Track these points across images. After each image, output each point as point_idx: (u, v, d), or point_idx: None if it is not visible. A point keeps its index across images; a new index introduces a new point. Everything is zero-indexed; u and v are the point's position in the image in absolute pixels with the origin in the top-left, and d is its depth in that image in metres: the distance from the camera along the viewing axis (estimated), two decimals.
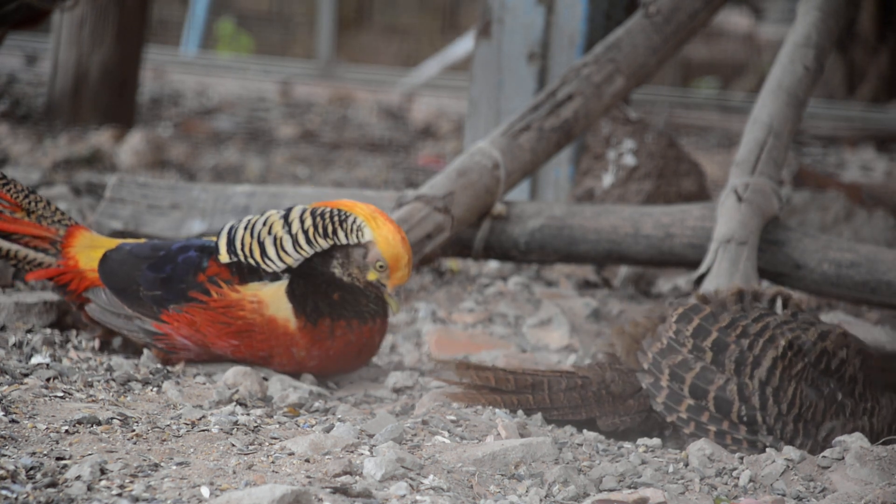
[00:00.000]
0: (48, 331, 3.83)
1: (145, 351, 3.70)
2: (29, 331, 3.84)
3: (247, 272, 3.63)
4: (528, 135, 4.76)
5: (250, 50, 14.21)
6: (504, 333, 4.39)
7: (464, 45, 11.40)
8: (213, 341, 3.64)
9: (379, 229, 3.61)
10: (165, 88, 10.74)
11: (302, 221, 3.63)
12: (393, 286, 3.65)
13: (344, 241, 3.61)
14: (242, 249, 3.64)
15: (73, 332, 3.88)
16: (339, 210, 3.63)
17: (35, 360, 3.56)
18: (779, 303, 3.46)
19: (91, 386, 3.42)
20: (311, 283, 3.63)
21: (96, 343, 3.81)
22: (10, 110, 8.52)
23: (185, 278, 3.65)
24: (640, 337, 3.42)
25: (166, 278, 3.67)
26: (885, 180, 8.61)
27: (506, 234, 4.75)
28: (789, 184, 6.83)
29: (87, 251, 3.79)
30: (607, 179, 5.41)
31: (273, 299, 3.62)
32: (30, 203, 3.82)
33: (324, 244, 3.61)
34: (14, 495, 2.64)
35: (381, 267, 3.62)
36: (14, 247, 3.79)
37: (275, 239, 3.62)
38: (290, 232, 3.62)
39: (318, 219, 3.62)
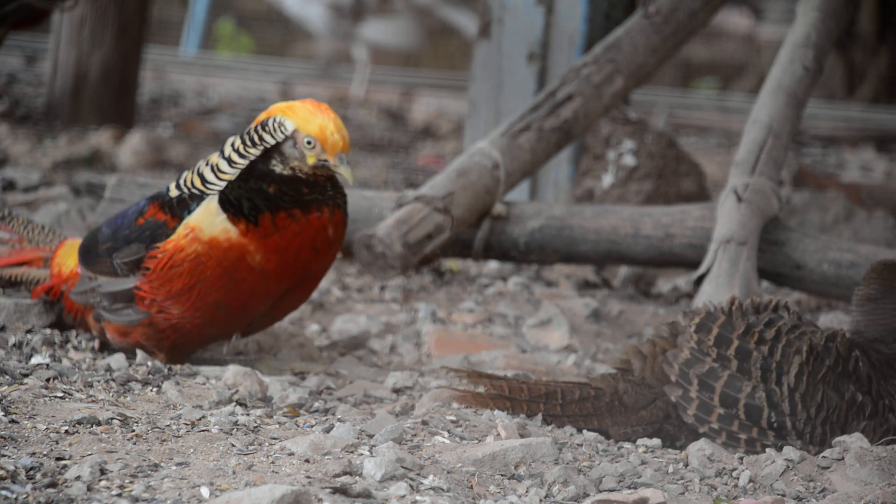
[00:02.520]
0: (48, 331, 3.83)
1: (139, 352, 3.69)
2: (29, 331, 3.84)
3: (179, 206, 3.65)
4: (528, 135, 4.76)
5: (250, 50, 14.20)
6: (504, 334, 4.39)
7: None
8: (184, 304, 3.63)
9: (296, 114, 3.61)
10: (165, 88, 10.74)
11: (232, 143, 3.65)
12: (333, 155, 3.61)
13: (271, 140, 3.60)
14: (185, 184, 3.66)
15: (73, 332, 3.88)
16: (261, 121, 3.64)
17: (35, 360, 3.56)
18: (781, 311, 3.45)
19: (91, 386, 3.42)
20: (244, 184, 3.62)
21: (96, 343, 3.81)
22: (10, 110, 8.52)
23: (129, 224, 3.69)
24: (659, 354, 3.41)
25: (116, 228, 3.72)
26: (885, 180, 8.61)
27: (506, 235, 4.75)
28: (789, 184, 6.83)
29: (68, 256, 3.88)
30: (607, 180, 5.41)
31: (205, 217, 3.61)
32: (29, 232, 4.00)
33: (255, 152, 3.61)
34: (14, 495, 2.64)
35: (311, 145, 3.60)
36: (20, 271, 3.94)
37: (212, 166, 3.65)
38: (223, 156, 3.64)
39: (245, 135, 3.64)
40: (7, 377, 3.38)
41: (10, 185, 6.07)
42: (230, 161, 3.63)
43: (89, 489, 2.71)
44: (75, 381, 3.43)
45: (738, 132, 5.17)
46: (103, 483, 2.74)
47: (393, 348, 4.23)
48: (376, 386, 3.77)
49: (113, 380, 3.48)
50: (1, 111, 8.44)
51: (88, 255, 3.76)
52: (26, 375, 3.43)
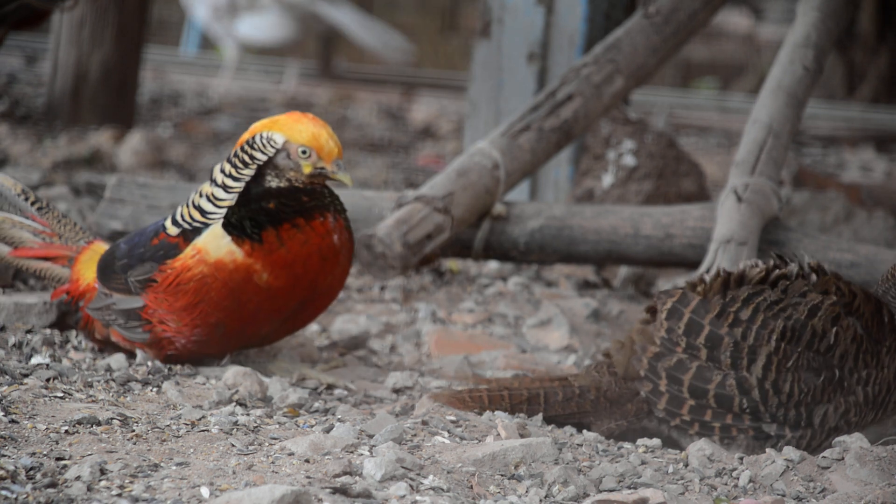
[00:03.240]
0: (48, 331, 3.83)
1: (139, 353, 3.70)
2: (29, 331, 3.84)
3: (191, 231, 3.64)
4: (528, 135, 4.76)
5: (250, 50, 14.20)
6: (504, 334, 4.39)
7: None
8: (184, 320, 3.63)
9: (283, 126, 3.61)
10: (165, 89, 10.74)
11: (222, 169, 3.65)
12: (330, 162, 3.62)
13: (262, 157, 3.60)
14: (183, 220, 3.65)
15: (73, 332, 3.88)
16: (245, 140, 3.63)
17: (35, 360, 3.56)
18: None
19: (91, 386, 3.42)
20: (245, 205, 3.61)
21: (97, 344, 3.81)
22: (10, 110, 8.52)
23: (144, 243, 3.69)
24: (638, 347, 3.40)
25: (133, 246, 3.71)
26: (885, 180, 8.61)
27: (505, 235, 4.75)
28: (789, 184, 6.84)
29: (88, 265, 3.85)
30: (607, 180, 5.41)
31: (211, 240, 3.60)
32: (62, 228, 3.96)
33: (249, 172, 3.61)
34: (14, 495, 2.64)
35: (306, 154, 3.60)
36: (45, 266, 3.91)
37: (207, 196, 3.64)
38: (216, 183, 3.64)
39: (233, 158, 3.63)
40: (7, 377, 3.38)
41: None
42: (225, 187, 3.62)
43: (89, 489, 2.71)
44: (75, 381, 3.43)
45: (738, 132, 5.17)
46: (103, 483, 2.74)
47: (393, 348, 4.23)
48: (376, 386, 3.77)
49: (113, 380, 3.48)
50: (1, 111, 8.44)
51: (105, 271, 3.74)
52: (26, 375, 3.43)
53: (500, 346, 4.23)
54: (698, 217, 4.65)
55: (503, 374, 3.72)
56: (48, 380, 3.41)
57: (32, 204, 3.96)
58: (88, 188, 6.11)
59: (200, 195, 3.66)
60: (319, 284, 3.67)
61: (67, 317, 3.95)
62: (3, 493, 2.65)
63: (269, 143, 3.60)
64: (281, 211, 3.61)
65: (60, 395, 3.31)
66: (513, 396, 3.41)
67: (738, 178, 4.47)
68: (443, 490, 2.85)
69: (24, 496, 2.65)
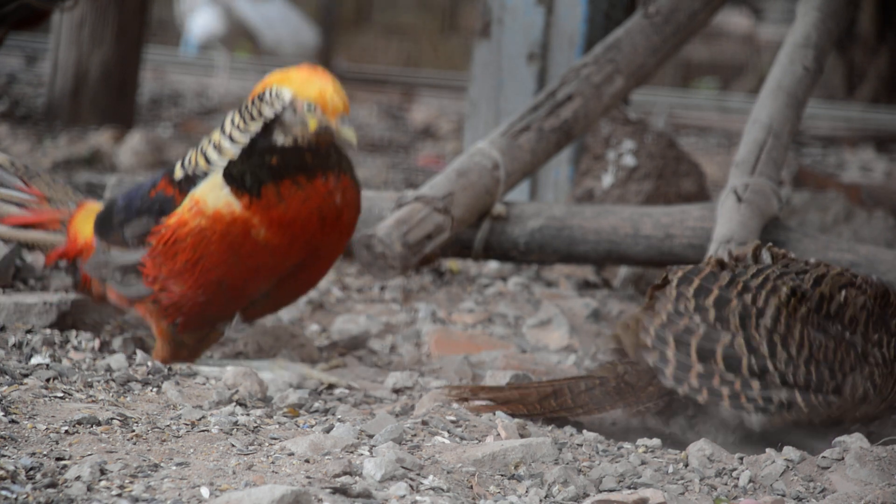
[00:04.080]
0: (48, 331, 3.83)
1: (139, 353, 3.69)
2: (29, 331, 3.84)
3: (186, 183, 3.64)
4: (528, 135, 4.76)
5: (250, 50, 14.20)
6: (504, 334, 4.40)
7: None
8: (187, 282, 3.62)
9: (293, 81, 3.60)
10: (165, 89, 10.74)
11: (232, 119, 3.64)
12: (335, 118, 3.58)
13: (271, 112, 3.59)
14: (189, 163, 3.65)
15: (73, 332, 3.88)
16: (257, 93, 3.62)
17: (35, 360, 3.56)
18: (765, 255, 3.45)
19: (91, 386, 3.42)
20: (247, 159, 3.60)
21: (96, 343, 3.81)
22: (10, 110, 8.52)
23: (142, 195, 3.69)
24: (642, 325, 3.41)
25: (130, 200, 3.72)
26: (885, 181, 8.61)
27: (505, 235, 4.76)
28: (789, 184, 6.84)
29: (84, 222, 3.85)
30: (607, 180, 5.41)
31: (209, 191, 3.60)
32: (54, 192, 3.93)
33: (256, 126, 3.60)
34: (14, 496, 2.64)
35: (311, 109, 3.58)
36: (36, 236, 3.90)
37: (214, 144, 3.64)
38: (224, 133, 3.63)
39: (243, 109, 3.63)
40: (7, 377, 3.38)
41: None
42: (231, 138, 3.61)
43: (89, 489, 2.71)
44: (75, 381, 3.43)
45: (738, 132, 5.18)
46: (103, 483, 2.74)
47: (393, 348, 4.23)
48: (376, 386, 3.77)
49: (113, 380, 3.48)
50: (1, 111, 8.45)
51: (103, 226, 3.75)
52: (26, 375, 3.43)
53: (500, 346, 4.23)
54: (698, 217, 4.66)
55: (503, 374, 3.72)
56: (48, 380, 3.41)
57: (18, 173, 3.93)
58: (88, 188, 6.10)
59: (209, 142, 3.65)
60: (319, 245, 3.66)
61: (67, 316, 3.95)
62: (3, 493, 2.65)
63: (277, 97, 3.58)
64: (283, 167, 3.59)
65: (60, 395, 3.31)
66: (540, 391, 3.41)
67: (738, 178, 4.47)
68: (443, 490, 2.85)
69: (24, 496, 2.65)
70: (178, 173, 3.65)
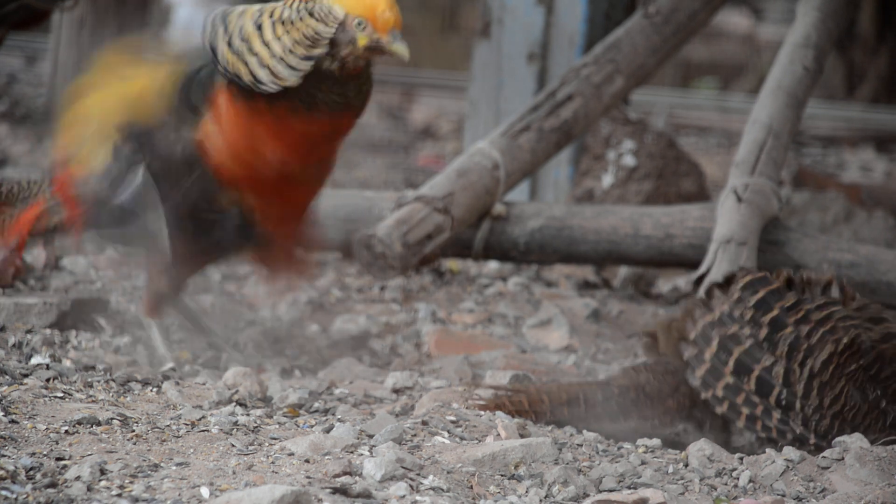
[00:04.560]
0: (48, 331, 3.83)
1: (139, 349, 3.70)
2: (28, 331, 3.84)
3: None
4: (528, 135, 4.76)
5: None
6: (504, 334, 4.39)
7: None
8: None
9: None
10: None
11: (275, 32, 3.41)
12: (386, 33, 3.42)
13: (327, 32, 3.38)
14: (229, 68, 3.45)
15: (73, 332, 3.88)
16: (304, 3, 3.42)
17: (35, 360, 3.56)
18: (835, 289, 3.37)
19: (91, 386, 3.42)
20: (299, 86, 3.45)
21: (96, 343, 3.81)
22: (10, 110, 8.52)
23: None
24: (686, 329, 3.34)
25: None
26: (885, 181, 8.61)
27: (505, 235, 4.76)
28: (789, 184, 6.84)
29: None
30: (607, 180, 5.42)
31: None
32: (21, 192, 3.83)
33: (319, 51, 3.40)
34: (14, 496, 2.64)
35: (361, 26, 3.41)
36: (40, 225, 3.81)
37: (267, 67, 3.42)
38: (270, 49, 3.41)
39: (290, 18, 3.40)
40: (7, 377, 3.38)
41: None
42: (288, 65, 3.40)
43: (89, 489, 2.71)
44: (75, 381, 3.43)
45: (738, 132, 5.18)
46: (103, 483, 2.74)
47: (393, 348, 4.23)
48: (376, 386, 3.77)
49: (113, 380, 3.48)
50: (1, 111, 8.44)
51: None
52: (26, 375, 3.43)
53: (500, 346, 4.23)
54: (698, 217, 4.66)
55: (503, 375, 3.72)
56: (48, 380, 3.41)
57: None
58: None
59: (247, 47, 3.41)
60: (326, 158, 3.59)
61: (66, 316, 3.95)
62: (3, 493, 2.65)
63: (329, 15, 3.40)
64: (324, 94, 3.42)
65: (60, 395, 3.31)
66: (553, 399, 3.39)
67: (738, 178, 4.47)
68: (443, 490, 2.85)
69: (24, 496, 2.65)
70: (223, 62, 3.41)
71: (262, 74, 3.41)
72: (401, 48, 3.44)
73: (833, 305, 3.28)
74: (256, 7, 3.46)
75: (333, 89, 3.44)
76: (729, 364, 3.25)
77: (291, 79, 3.40)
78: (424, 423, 3.25)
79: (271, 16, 3.42)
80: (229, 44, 3.43)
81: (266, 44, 3.42)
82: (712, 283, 3.38)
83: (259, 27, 3.43)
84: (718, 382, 3.26)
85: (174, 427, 3.14)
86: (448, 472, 2.93)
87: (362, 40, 3.41)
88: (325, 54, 3.41)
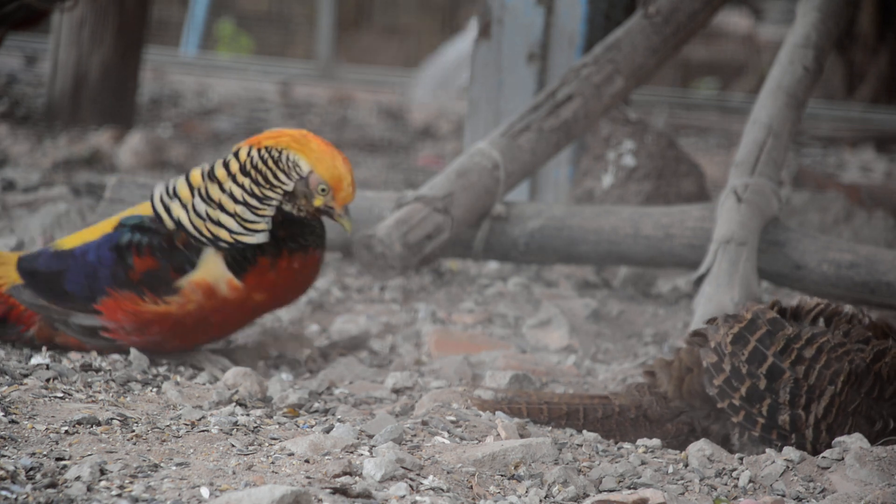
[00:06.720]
0: None
1: (133, 351, 3.70)
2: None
3: (176, 257, 3.61)
4: (528, 135, 4.76)
5: (250, 50, 14.21)
6: (504, 334, 4.39)
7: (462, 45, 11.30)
8: (160, 336, 3.65)
9: (311, 153, 3.59)
10: (165, 89, 10.74)
11: (240, 184, 3.60)
12: (340, 206, 3.62)
13: (288, 183, 3.58)
14: (198, 232, 3.61)
15: None
16: (271, 154, 3.59)
17: (35, 360, 3.56)
18: (820, 321, 3.37)
19: (90, 386, 3.42)
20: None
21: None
22: (10, 111, 8.52)
23: (110, 265, 3.61)
24: (685, 372, 3.36)
25: (91, 270, 3.63)
26: (885, 181, 8.61)
27: (505, 235, 4.75)
28: (789, 184, 6.83)
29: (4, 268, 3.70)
30: (607, 180, 5.41)
31: (212, 271, 3.60)
32: None
33: (276, 196, 3.59)
34: (14, 496, 2.64)
35: (324, 191, 3.60)
36: None
37: (232, 214, 3.60)
38: (235, 198, 3.59)
39: (254, 171, 3.59)
40: (7, 377, 3.38)
41: (9, 186, 6.07)
42: (252, 209, 3.60)
43: (89, 489, 2.71)
44: (75, 382, 3.43)
45: (738, 132, 5.18)
46: (103, 483, 2.74)
47: (393, 348, 4.23)
48: (376, 386, 3.77)
49: (113, 380, 3.48)
50: (1, 111, 8.44)
51: (51, 291, 3.64)
52: (26, 375, 3.43)
53: (499, 346, 4.23)
54: (698, 217, 4.65)
55: (503, 375, 3.72)
56: (48, 380, 3.41)
57: None
58: (88, 188, 6.11)
59: (212, 203, 3.60)
60: (290, 297, 3.75)
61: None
62: (3, 493, 2.65)
63: (294, 168, 3.59)
64: (286, 240, 3.62)
65: (60, 395, 3.31)
66: (552, 410, 3.39)
67: (738, 178, 4.47)
68: (443, 490, 2.85)
69: (24, 496, 2.65)
70: (170, 227, 3.59)
71: (234, 225, 3.59)
72: (348, 223, 3.65)
73: (821, 336, 3.28)
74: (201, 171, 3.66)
75: (292, 231, 3.63)
76: (739, 415, 3.28)
77: (261, 221, 3.60)
78: (424, 423, 3.25)
79: (235, 171, 3.61)
80: (200, 216, 3.61)
81: (230, 196, 3.60)
82: (692, 332, 3.40)
83: (218, 184, 3.61)
84: (735, 394, 3.27)
85: (174, 427, 3.14)
86: (448, 473, 2.93)
87: (318, 201, 3.62)
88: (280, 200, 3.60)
